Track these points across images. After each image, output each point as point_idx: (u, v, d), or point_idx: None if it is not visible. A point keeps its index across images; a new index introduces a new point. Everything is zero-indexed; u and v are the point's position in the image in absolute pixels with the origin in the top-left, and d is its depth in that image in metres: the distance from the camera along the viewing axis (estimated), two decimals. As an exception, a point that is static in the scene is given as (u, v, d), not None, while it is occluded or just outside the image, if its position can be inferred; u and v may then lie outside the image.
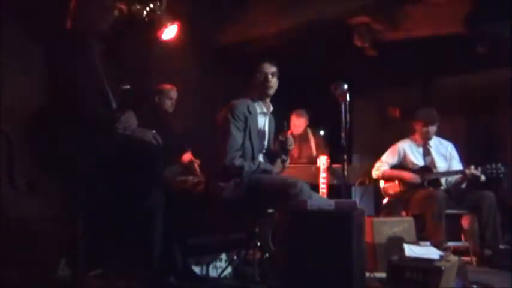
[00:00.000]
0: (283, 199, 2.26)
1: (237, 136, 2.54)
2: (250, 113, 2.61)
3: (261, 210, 2.62)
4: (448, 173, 3.71)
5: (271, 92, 2.68)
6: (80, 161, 1.95)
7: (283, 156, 2.66)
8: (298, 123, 4.61)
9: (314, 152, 4.59)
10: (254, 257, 2.56)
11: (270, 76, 2.64)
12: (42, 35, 2.02)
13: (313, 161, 4.25)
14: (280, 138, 2.64)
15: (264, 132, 2.73)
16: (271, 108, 2.76)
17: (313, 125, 4.80)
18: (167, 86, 3.59)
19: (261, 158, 2.70)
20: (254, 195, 2.44)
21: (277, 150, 2.70)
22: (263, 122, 2.74)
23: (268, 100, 2.73)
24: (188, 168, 3.28)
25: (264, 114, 2.73)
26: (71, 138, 1.96)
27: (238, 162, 2.49)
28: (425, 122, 3.79)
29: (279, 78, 2.70)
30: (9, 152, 1.63)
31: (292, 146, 2.70)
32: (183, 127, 3.80)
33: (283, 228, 2.21)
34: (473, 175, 3.51)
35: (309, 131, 4.72)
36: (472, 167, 3.53)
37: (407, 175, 3.71)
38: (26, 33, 2.09)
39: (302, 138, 4.67)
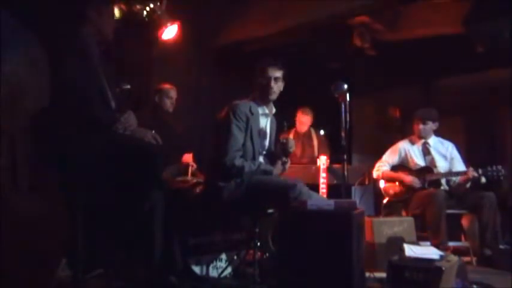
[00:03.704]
0: (283, 201, 2.26)
1: (238, 136, 2.53)
2: (252, 113, 2.60)
3: (260, 210, 2.62)
4: (450, 174, 3.71)
5: (273, 96, 2.64)
6: (80, 161, 1.95)
7: (284, 158, 2.65)
8: (304, 120, 4.61)
9: (316, 152, 4.59)
10: (254, 257, 2.56)
11: (273, 81, 2.59)
12: (44, 35, 2.02)
13: (315, 160, 4.25)
14: (281, 140, 2.63)
15: (265, 133, 2.72)
16: (274, 110, 2.75)
17: (313, 125, 4.80)
18: (167, 86, 3.59)
19: (261, 159, 2.69)
20: (254, 196, 2.44)
21: (278, 152, 2.69)
22: (265, 123, 2.73)
23: (271, 102, 2.72)
24: (186, 169, 3.28)
25: (266, 115, 2.72)
26: (71, 139, 1.96)
27: (238, 162, 2.48)
28: (420, 119, 3.82)
29: (284, 81, 2.66)
30: (13, 152, 1.63)
31: (293, 148, 2.69)
32: (183, 127, 3.81)
33: (283, 228, 2.21)
34: (474, 177, 3.50)
35: (313, 131, 4.72)
36: (471, 168, 3.53)
37: (406, 178, 3.71)
38: (28, 34, 2.09)
39: (306, 137, 4.67)
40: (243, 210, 2.55)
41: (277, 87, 2.63)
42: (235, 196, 2.46)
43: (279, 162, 2.64)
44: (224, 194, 2.47)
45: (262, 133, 2.67)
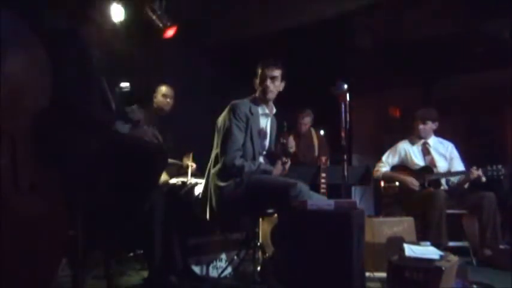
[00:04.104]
0: (283, 200, 2.26)
1: (238, 136, 2.53)
2: (252, 113, 2.60)
3: (260, 210, 2.62)
4: (450, 174, 3.71)
5: (270, 95, 2.64)
6: (80, 161, 1.95)
7: (284, 159, 2.64)
8: (305, 121, 4.61)
9: (316, 152, 4.59)
10: (254, 257, 2.56)
11: (270, 81, 2.60)
12: (44, 34, 2.02)
13: (315, 161, 4.25)
14: (281, 140, 2.63)
15: (265, 133, 2.71)
16: (274, 110, 2.75)
17: (313, 125, 4.80)
18: (164, 85, 3.60)
19: (261, 159, 2.69)
20: (254, 196, 2.43)
21: (278, 152, 2.69)
22: (265, 123, 2.73)
23: (270, 102, 2.71)
24: (185, 169, 3.28)
25: (266, 115, 2.72)
26: (71, 139, 1.96)
27: (238, 162, 2.49)
28: (420, 119, 3.83)
29: (284, 81, 2.66)
30: (13, 152, 1.63)
31: (293, 148, 2.68)
32: (182, 127, 3.80)
33: (283, 228, 2.21)
34: (479, 176, 3.49)
35: (313, 131, 4.72)
36: (474, 167, 3.52)
37: (406, 179, 3.70)
38: (28, 34, 2.09)
39: (306, 138, 4.68)
40: (243, 210, 2.54)
41: (274, 87, 2.63)
42: (235, 196, 2.46)
43: (279, 163, 2.63)
44: (224, 194, 2.47)
45: (262, 133, 2.67)
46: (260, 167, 2.54)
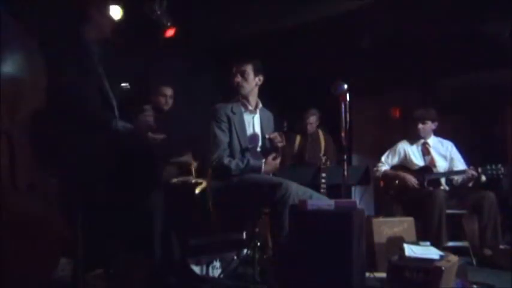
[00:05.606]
0: (269, 201, 2.27)
1: (221, 136, 2.57)
2: (234, 113, 2.62)
3: (252, 210, 2.62)
4: (449, 173, 3.71)
5: (243, 91, 2.65)
6: (80, 160, 1.95)
7: (274, 154, 2.64)
8: (311, 121, 4.61)
9: (322, 153, 4.58)
10: (254, 257, 2.56)
11: (238, 76, 2.63)
12: (43, 35, 2.02)
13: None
14: (267, 136, 2.65)
15: (255, 130, 2.71)
16: (260, 105, 2.74)
17: (320, 125, 4.78)
18: (163, 85, 3.61)
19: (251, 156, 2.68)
20: (241, 196, 2.45)
21: (268, 148, 2.69)
22: (251, 121, 2.72)
23: (252, 97, 2.70)
24: (187, 169, 3.29)
25: (251, 112, 2.71)
26: (70, 138, 1.96)
27: (225, 161, 2.51)
28: (420, 119, 3.82)
29: (259, 74, 2.66)
30: (12, 152, 1.63)
31: (283, 143, 2.67)
32: (182, 127, 3.81)
33: (283, 228, 2.21)
34: (473, 175, 3.50)
35: (320, 132, 4.71)
36: (472, 167, 3.52)
37: (406, 177, 3.70)
38: (28, 34, 2.09)
39: (313, 138, 4.67)
40: (235, 210, 2.56)
41: (244, 81, 2.64)
42: (225, 196, 2.48)
43: (269, 159, 2.62)
44: (216, 194, 2.50)
45: (251, 131, 2.68)
46: (249, 163, 2.54)
